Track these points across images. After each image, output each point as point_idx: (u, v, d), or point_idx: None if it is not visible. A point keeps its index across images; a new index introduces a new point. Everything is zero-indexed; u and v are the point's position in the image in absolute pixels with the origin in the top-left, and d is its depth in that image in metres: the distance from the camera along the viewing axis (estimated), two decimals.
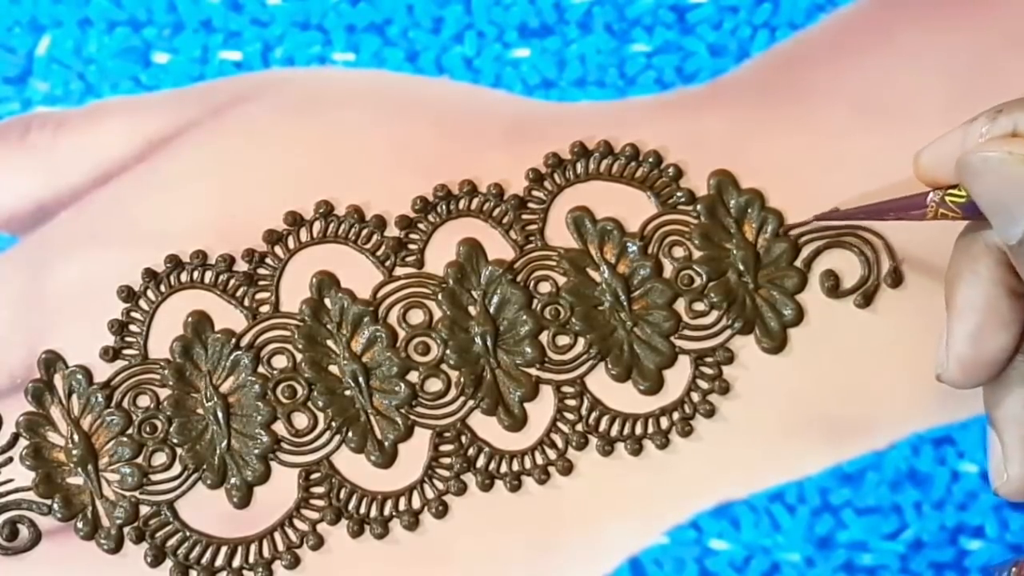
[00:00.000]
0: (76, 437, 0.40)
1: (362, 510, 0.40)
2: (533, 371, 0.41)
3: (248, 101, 0.42)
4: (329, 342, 0.41)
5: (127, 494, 0.40)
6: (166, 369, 0.40)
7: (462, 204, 0.42)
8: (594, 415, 0.40)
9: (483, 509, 0.40)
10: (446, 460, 0.40)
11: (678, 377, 0.41)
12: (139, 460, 0.40)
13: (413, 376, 0.40)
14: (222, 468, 0.40)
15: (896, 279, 0.41)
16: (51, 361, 0.40)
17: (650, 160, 0.41)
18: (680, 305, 0.41)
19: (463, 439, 0.40)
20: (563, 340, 0.41)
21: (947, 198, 0.35)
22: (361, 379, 0.40)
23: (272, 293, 0.41)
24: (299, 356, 0.40)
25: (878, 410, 0.40)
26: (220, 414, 0.40)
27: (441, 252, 0.41)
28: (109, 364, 0.40)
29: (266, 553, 0.40)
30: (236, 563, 0.40)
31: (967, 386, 0.36)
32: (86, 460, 0.40)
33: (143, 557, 0.39)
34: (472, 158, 0.42)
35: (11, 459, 0.40)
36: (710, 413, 0.40)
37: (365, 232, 0.41)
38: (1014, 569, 0.38)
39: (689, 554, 0.40)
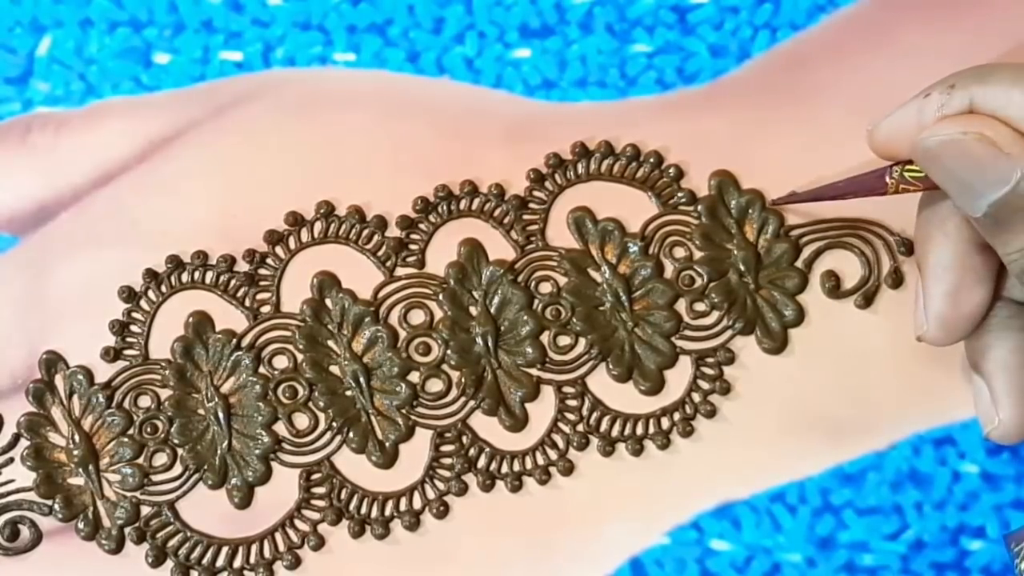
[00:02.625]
0: (77, 438, 0.40)
1: (363, 510, 0.40)
2: (534, 371, 0.41)
3: (249, 101, 0.42)
4: (330, 342, 0.41)
5: (128, 494, 0.40)
6: (167, 369, 0.40)
7: (463, 204, 0.42)
8: (595, 415, 0.40)
9: (484, 509, 0.40)
10: (447, 460, 0.40)
11: (679, 377, 0.41)
12: (140, 460, 0.40)
13: (414, 376, 0.40)
14: (223, 468, 0.40)
15: (897, 280, 0.41)
16: (52, 361, 0.40)
17: (651, 160, 0.42)
18: (681, 305, 0.41)
19: (464, 439, 0.40)
20: (564, 340, 0.41)
21: (906, 173, 0.35)
22: (362, 379, 0.40)
23: (273, 293, 0.41)
24: (300, 356, 0.40)
25: (879, 410, 0.40)
26: (221, 414, 0.40)
27: (442, 252, 0.41)
28: (110, 364, 0.40)
29: (267, 553, 0.40)
30: (237, 563, 0.40)
31: (949, 343, 0.35)
32: (87, 460, 0.40)
33: (144, 557, 0.39)
34: (473, 158, 0.42)
35: (12, 459, 0.40)
36: (711, 413, 0.40)
37: (366, 232, 0.41)
38: None
39: (690, 554, 0.40)
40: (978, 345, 0.36)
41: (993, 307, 0.35)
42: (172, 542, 0.40)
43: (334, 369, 0.40)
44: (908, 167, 0.35)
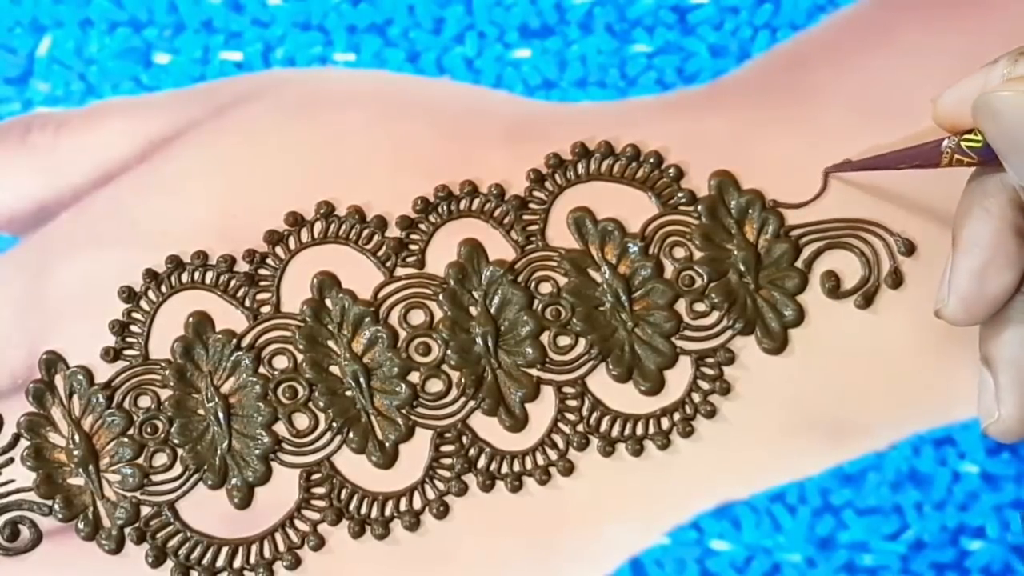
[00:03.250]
0: (77, 438, 0.40)
1: (363, 511, 0.40)
2: (534, 372, 0.41)
3: (249, 101, 0.42)
4: (330, 343, 0.41)
5: (128, 495, 0.40)
6: (167, 370, 0.40)
7: (463, 204, 0.42)
8: (595, 416, 0.40)
9: (484, 510, 0.40)
10: (447, 461, 0.40)
11: (679, 378, 0.41)
12: (140, 461, 0.40)
13: (414, 377, 0.40)
14: (223, 469, 0.40)
15: (896, 280, 0.41)
16: (52, 362, 0.40)
17: (651, 161, 0.42)
18: (681, 306, 0.41)
19: (464, 440, 0.40)
20: (564, 341, 0.41)
21: (963, 143, 0.34)
22: (362, 379, 0.40)
23: (273, 294, 0.41)
24: (300, 357, 0.40)
25: (879, 411, 0.40)
26: (221, 415, 0.40)
27: (442, 252, 0.41)
28: (110, 365, 0.40)
29: (267, 554, 0.40)
30: (237, 564, 0.40)
31: (966, 323, 0.35)
32: (87, 461, 0.40)
33: (144, 558, 0.39)
34: (473, 158, 0.42)
35: (12, 460, 0.40)
36: (711, 414, 0.40)
37: (366, 232, 0.41)
38: None
39: (690, 555, 0.40)
40: (992, 335, 0.35)
41: (1015, 298, 0.35)
42: (172, 542, 0.40)
43: (334, 369, 0.40)
44: (965, 136, 0.34)
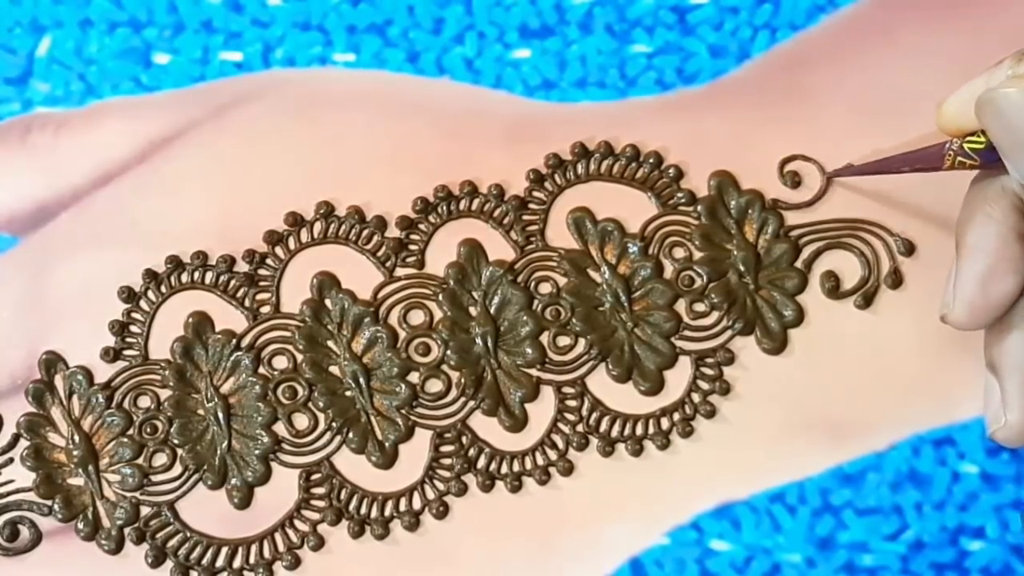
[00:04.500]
0: (77, 438, 0.40)
1: (363, 511, 0.40)
2: (534, 372, 0.41)
3: (249, 102, 0.42)
4: (330, 343, 0.41)
5: (128, 495, 0.40)
6: (167, 370, 0.40)
7: (463, 205, 0.42)
8: (595, 416, 0.40)
9: (484, 510, 0.40)
10: (447, 461, 0.40)
11: (679, 378, 0.41)
12: (140, 461, 0.40)
13: (414, 377, 0.40)
14: (223, 469, 0.40)
15: (896, 280, 0.41)
16: (52, 362, 0.40)
17: (651, 161, 0.42)
18: (681, 306, 0.41)
19: (464, 440, 0.40)
20: (564, 341, 0.41)
21: (966, 146, 0.34)
22: (362, 380, 0.40)
23: (273, 294, 0.41)
24: (300, 357, 0.40)
25: (878, 411, 0.40)
26: (221, 415, 0.40)
27: (442, 253, 0.41)
28: (110, 365, 0.40)
29: (267, 554, 0.40)
30: (237, 564, 0.40)
31: (971, 327, 0.35)
32: (87, 461, 0.40)
33: (144, 558, 0.39)
34: (473, 159, 0.42)
35: (12, 460, 0.40)
36: (711, 414, 0.40)
37: (366, 233, 0.41)
38: None
39: (690, 555, 0.40)
40: (997, 342, 0.36)
41: (1019, 303, 0.35)
42: (172, 542, 0.40)
43: (334, 369, 0.40)
44: (968, 139, 0.34)
